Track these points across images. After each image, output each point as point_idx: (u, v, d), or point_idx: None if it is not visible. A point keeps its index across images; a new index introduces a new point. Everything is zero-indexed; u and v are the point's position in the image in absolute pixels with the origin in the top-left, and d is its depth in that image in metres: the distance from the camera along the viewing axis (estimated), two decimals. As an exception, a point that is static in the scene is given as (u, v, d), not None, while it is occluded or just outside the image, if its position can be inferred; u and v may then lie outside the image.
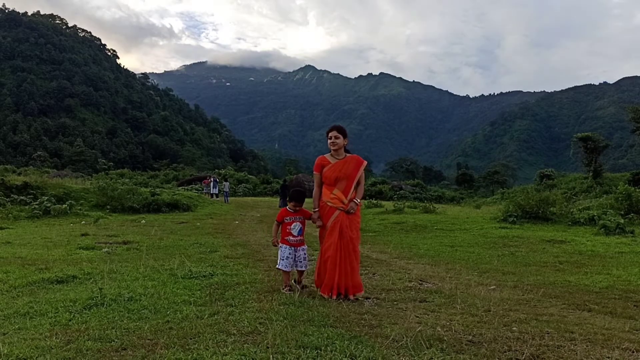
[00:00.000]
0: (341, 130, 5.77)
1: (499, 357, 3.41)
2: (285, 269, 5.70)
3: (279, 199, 31.99)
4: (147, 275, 6.44)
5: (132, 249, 9.96)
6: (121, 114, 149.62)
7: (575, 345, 3.77)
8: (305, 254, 5.80)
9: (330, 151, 5.87)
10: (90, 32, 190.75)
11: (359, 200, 5.73)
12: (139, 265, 7.12)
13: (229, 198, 34.12)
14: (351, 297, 5.41)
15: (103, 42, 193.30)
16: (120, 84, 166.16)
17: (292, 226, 5.75)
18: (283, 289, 5.65)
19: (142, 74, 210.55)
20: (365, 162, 5.89)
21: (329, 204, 5.62)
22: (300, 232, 5.80)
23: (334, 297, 5.36)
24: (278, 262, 5.71)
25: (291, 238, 5.74)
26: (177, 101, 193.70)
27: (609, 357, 3.46)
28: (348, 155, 5.84)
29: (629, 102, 53.12)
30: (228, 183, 37.45)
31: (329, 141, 5.76)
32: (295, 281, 5.90)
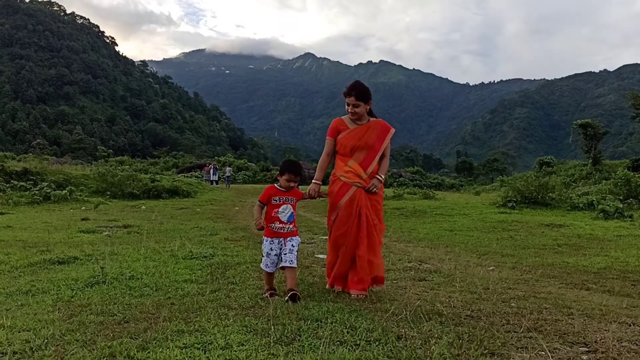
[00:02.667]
0: (361, 95, 4.54)
1: (497, 329, 3.44)
2: (267, 269, 4.34)
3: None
4: (148, 256, 6.47)
5: (132, 232, 9.98)
6: (120, 102, 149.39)
7: (573, 319, 3.80)
8: (294, 245, 4.35)
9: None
10: (88, 19, 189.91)
11: (382, 176, 4.61)
12: (140, 247, 7.14)
13: (230, 184, 34.25)
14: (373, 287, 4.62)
15: (101, 29, 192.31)
16: (119, 72, 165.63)
17: (280, 209, 4.33)
18: (264, 293, 4.30)
19: (140, 61, 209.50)
20: (393, 130, 4.74)
21: (342, 178, 4.50)
22: (292, 218, 4.38)
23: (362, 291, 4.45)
24: (262, 260, 4.40)
25: (277, 225, 4.32)
26: (176, 89, 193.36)
27: (606, 330, 3.49)
28: (372, 119, 4.69)
29: (629, 89, 53.03)
30: (230, 168, 38.23)
31: (346, 107, 4.61)
32: (286, 291, 4.21)
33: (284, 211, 4.32)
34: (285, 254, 4.27)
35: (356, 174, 4.51)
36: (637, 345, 3.20)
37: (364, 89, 4.59)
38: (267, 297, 4.20)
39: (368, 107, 4.64)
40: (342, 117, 4.72)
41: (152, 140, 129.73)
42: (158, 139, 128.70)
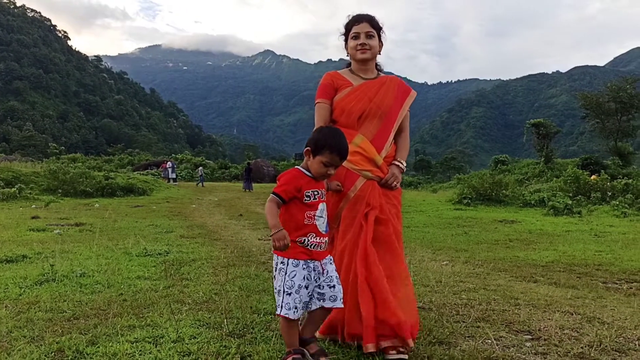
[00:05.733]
0: (376, 23, 3.12)
1: (446, 319, 3.54)
2: (290, 314, 2.50)
3: (242, 182, 31.95)
4: (101, 254, 6.34)
5: (84, 230, 9.75)
6: (73, 98, 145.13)
7: (519, 309, 3.95)
8: (335, 269, 2.70)
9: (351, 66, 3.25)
10: (40, 13, 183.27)
11: (404, 163, 3.16)
12: (92, 245, 6.99)
13: (203, 182, 34.96)
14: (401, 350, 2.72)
15: (53, 22, 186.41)
16: (72, 67, 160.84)
17: (318, 211, 2.62)
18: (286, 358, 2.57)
19: (94, 56, 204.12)
20: (414, 93, 3.30)
21: (344, 164, 2.80)
22: (327, 224, 2.72)
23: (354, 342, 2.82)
24: (277, 300, 2.56)
25: (313, 239, 2.58)
26: (132, 85, 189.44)
27: (549, 319, 3.64)
28: (382, 74, 3.27)
29: (580, 90, 54.91)
30: (202, 168, 40.28)
31: (352, 43, 3.11)
32: (307, 340, 2.67)
33: (322, 215, 2.64)
34: (329, 286, 2.60)
35: (367, 158, 2.99)
36: (577, 332, 3.35)
37: (377, 21, 3.14)
38: None
39: (381, 48, 3.21)
40: (338, 70, 3.27)
41: (107, 137, 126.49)
42: (113, 136, 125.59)
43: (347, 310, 2.76)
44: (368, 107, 3.03)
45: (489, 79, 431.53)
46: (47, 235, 8.95)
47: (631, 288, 5.10)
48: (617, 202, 15.79)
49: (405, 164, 3.16)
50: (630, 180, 19.36)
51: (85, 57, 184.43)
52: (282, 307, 2.51)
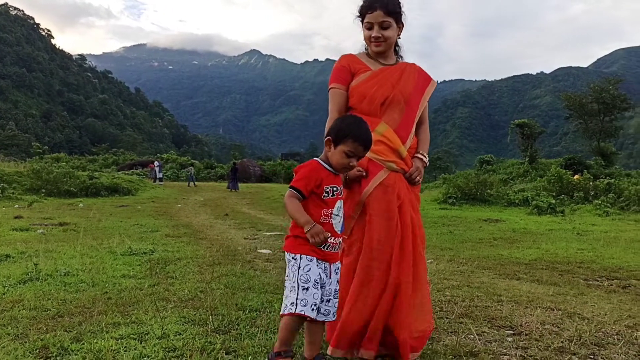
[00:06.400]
0: (392, 8, 2.76)
1: (430, 316, 3.59)
2: (308, 312, 2.28)
3: (228, 181, 31.87)
4: (85, 253, 6.30)
5: (69, 230, 9.67)
6: (57, 97, 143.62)
7: (502, 305, 4.01)
8: (338, 279, 2.48)
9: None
10: (22, 11, 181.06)
11: (427, 157, 2.93)
12: (77, 245, 6.94)
13: (194, 182, 34.93)
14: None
15: (37, 21, 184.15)
16: (56, 65, 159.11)
17: (335, 209, 2.42)
18: (270, 356, 2.45)
19: (78, 55, 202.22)
20: (435, 82, 3.02)
21: (366, 153, 2.53)
22: (343, 224, 2.52)
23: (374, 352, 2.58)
24: (291, 297, 2.32)
25: (330, 240, 2.35)
26: (117, 84, 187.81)
27: (531, 315, 3.70)
28: (402, 61, 2.98)
29: (564, 91, 55.73)
30: (192, 168, 40.55)
31: (365, 32, 2.83)
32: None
33: (339, 213, 2.44)
34: (330, 299, 2.41)
35: (391, 148, 2.73)
36: (558, 327, 3.42)
37: (395, 1, 2.80)
38: None
39: (399, 34, 2.89)
40: (354, 53, 2.95)
41: (91, 137, 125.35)
42: (97, 136, 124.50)
43: (375, 318, 2.54)
44: (391, 94, 2.75)
45: (474, 80, 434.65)
46: (30, 234, 8.86)
47: (612, 285, 5.18)
48: (600, 202, 16.01)
49: (428, 158, 2.92)
50: (613, 180, 19.67)
51: (69, 56, 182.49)
52: (296, 304, 2.26)
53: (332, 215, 2.37)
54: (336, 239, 2.38)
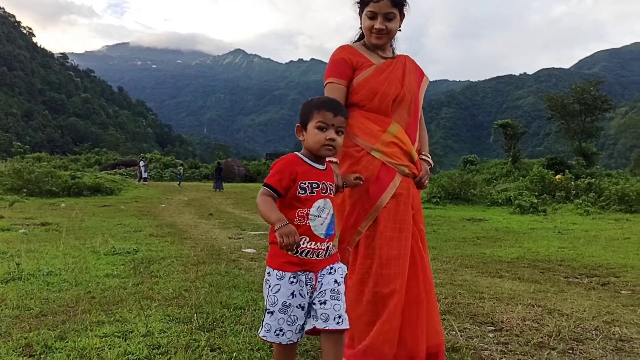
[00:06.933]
0: (398, 0, 2.50)
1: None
2: (279, 339, 2.01)
3: (213, 181, 31.73)
4: (68, 252, 6.26)
5: (51, 230, 9.57)
6: (38, 96, 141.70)
7: (484, 302, 4.07)
8: (340, 281, 2.10)
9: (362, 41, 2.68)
10: (3, 9, 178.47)
11: (430, 158, 2.77)
12: (59, 244, 6.89)
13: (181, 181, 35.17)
14: None
15: (17, 19, 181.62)
16: (37, 64, 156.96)
17: (313, 209, 2.05)
18: None
19: (60, 53, 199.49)
20: (428, 78, 2.85)
21: (376, 154, 2.46)
22: (332, 226, 2.12)
23: None
24: (263, 320, 2.06)
25: (304, 244, 2.01)
26: (99, 83, 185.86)
27: (512, 311, 3.77)
28: (397, 53, 2.73)
29: (546, 92, 56.38)
30: (182, 167, 41.24)
31: (366, 22, 2.53)
32: None
33: (321, 214, 2.07)
34: (326, 301, 2.02)
35: (404, 151, 2.52)
36: (538, 323, 3.48)
37: None
38: None
39: (402, 22, 2.62)
40: (350, 44, 2.68)
41: (73, 136, 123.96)
42: (79, 135, 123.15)
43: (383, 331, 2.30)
44: (402, 92, 2.54)
45: (458, 80, 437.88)
46: (12, 234, 8.75)
47: (591, 282, 5.28)
48: (581, 201, 16.25)
49: (430, 159, 2.75)
50: (593, 180, 19.99)
51: (50, 55, 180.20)
52: (267, 328, 2.01)
53: (310, 216, 2.02)
54: (319, 243, 2.03)
